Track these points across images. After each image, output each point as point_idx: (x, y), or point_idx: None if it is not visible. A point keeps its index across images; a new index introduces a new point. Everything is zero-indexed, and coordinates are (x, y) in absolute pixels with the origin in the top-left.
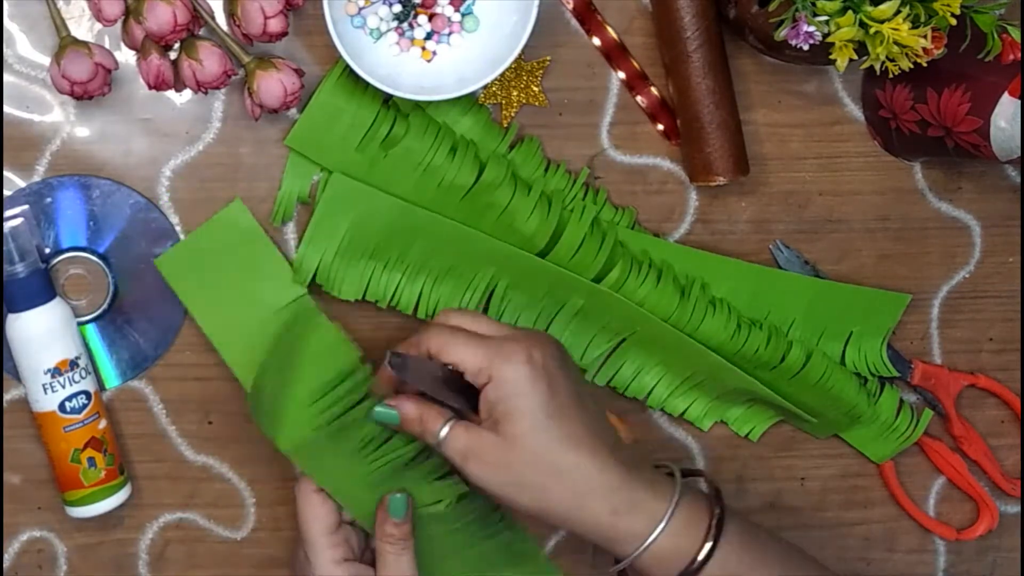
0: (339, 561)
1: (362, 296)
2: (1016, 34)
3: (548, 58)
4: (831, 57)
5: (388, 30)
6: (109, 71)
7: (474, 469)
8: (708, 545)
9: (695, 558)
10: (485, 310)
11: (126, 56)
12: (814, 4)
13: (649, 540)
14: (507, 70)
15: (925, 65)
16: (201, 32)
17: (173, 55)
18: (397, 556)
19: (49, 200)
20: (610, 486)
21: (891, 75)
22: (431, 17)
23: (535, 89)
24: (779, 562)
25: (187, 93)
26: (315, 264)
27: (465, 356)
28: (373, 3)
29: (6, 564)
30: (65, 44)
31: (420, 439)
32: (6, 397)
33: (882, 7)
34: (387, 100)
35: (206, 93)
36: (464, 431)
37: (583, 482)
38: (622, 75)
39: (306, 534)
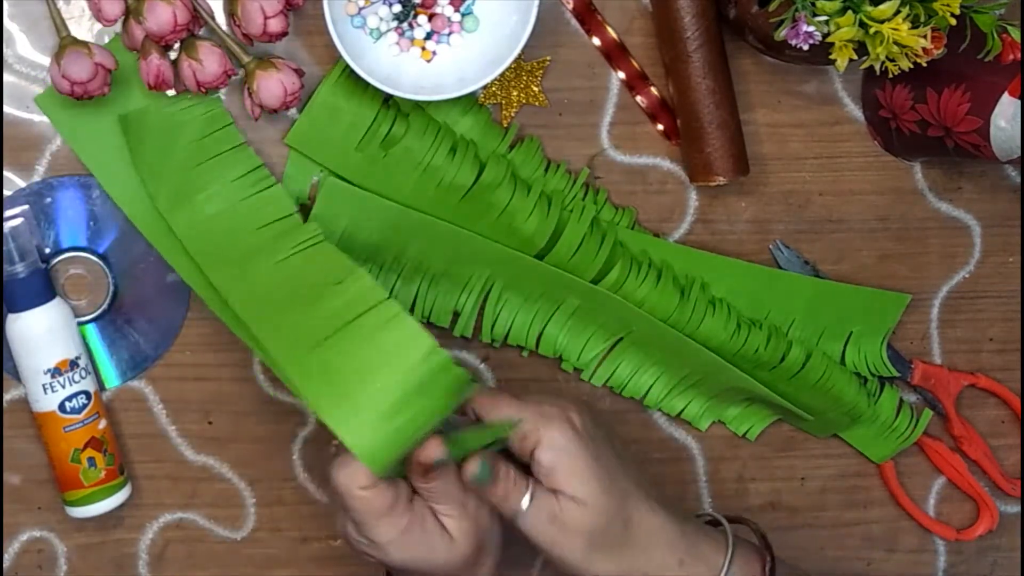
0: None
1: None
2: (1016, 34)
3: (548, 58)
4: (831, 57)
5: (388, 30)
6: (109, 71)
7: (561, 539)
8: None
9: None
10: (481, 311)
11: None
12: (814, 4)
13: None
14: (507, 70)
15: (925, 65)
16: (201, 32)
17: (173, 55)
18: (441, 502)
19: (49, 200)
20: (673, 537)
21: (891, 75)
22: (431, 17)
23: (535, 89)
24: None
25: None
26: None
27: (511, 418)
28: (373, 3)
29: (6, 564)
30: (65, 44)
31: (497, 503)
32: (6, 397)
33: (882, 7)
34: (387, 100)
35: (206, 93)
36: (550, 497)
37: (651, 535)
38: (622, 75)
39: (363, 520)
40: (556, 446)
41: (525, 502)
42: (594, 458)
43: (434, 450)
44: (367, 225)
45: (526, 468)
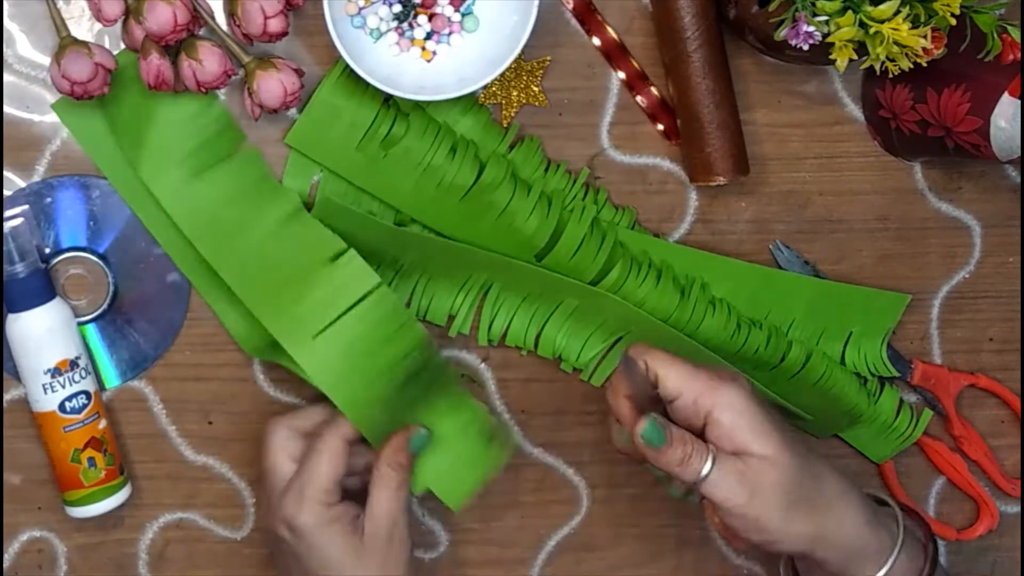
0: (327, 507)
1: None
2: (1016, 34)
3: (548, 58)
4: (831, 57)
5: (388, 30)
6: (109, 71)
7: (757, 500)
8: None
9: None
10: (479, 311)
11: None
12: (814, 4)
13: (895, 553)
14: (507, 70)
15: (925, 65)
16: (201, 32)
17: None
18: (398, 487)
19: (49, 200)
20: (857, 498)
21: (891, 75)
22: (431, 17)
23: (535, 89)
24: None
25: None
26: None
27: (688, 379)
28: (373, 3)
29: (6, 564)
30: (65, 44)
31: (673, 471)
32: (6, 397)
33: (882, 7)
34: (387, 100)
35: (206, 93)
36: (732, 458)
37: (839, 495)
38: (622, 75)
39: (311, 482)
40: (735, 406)
41: (707, 465)
42: (772, 417)
43: (421, 429)
44: (362, 238)
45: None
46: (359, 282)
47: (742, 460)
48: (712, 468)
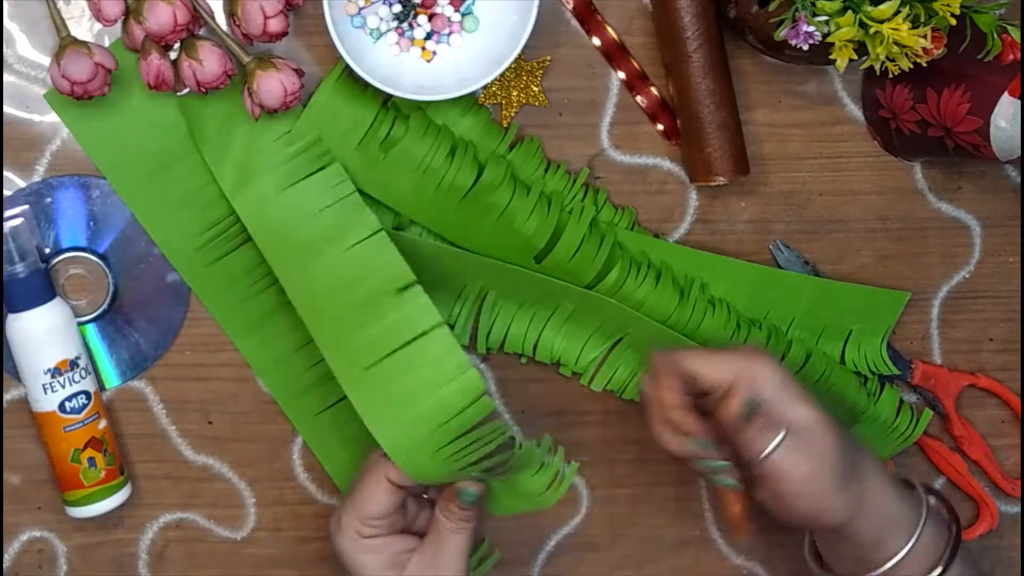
0: (363, 538)
1: None
2: (1016, 34)
3: (548, 58)
4: (831, 57)
5: (388, 30)
6: (109, 71)
7: (817, 469)
8: (945, 558)
9: (936, 565)
10: (477, 317)
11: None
12: (814, 4)
13: (921, 525)
14: (507, 70)
15: (925, 65)
16: (201, 32)
17: (173, 55)
18: (452, 532)
19: (49, 200)
20: (884, 472)
21: (891, 75)
22: (431, 17)
23: (535, 89)
24: None
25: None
26: None
27: (723, 367)
28: (373, 3)
29: (6, 564)
30: (65, 44)
31: (749, 448)
32: (6, 397)
33: (882, 7)
34: (386, 101)
35: (206, 93)
36: (792, 435)
37: (872, 467)
38: (622, 75)
39: (350, 510)
40: (773, 380)
41: (776, 440)
42: (804, 385)
43: (472, 486)
44: None
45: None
46: (420, 318)
47: (793, 432)
48: (782, 439)
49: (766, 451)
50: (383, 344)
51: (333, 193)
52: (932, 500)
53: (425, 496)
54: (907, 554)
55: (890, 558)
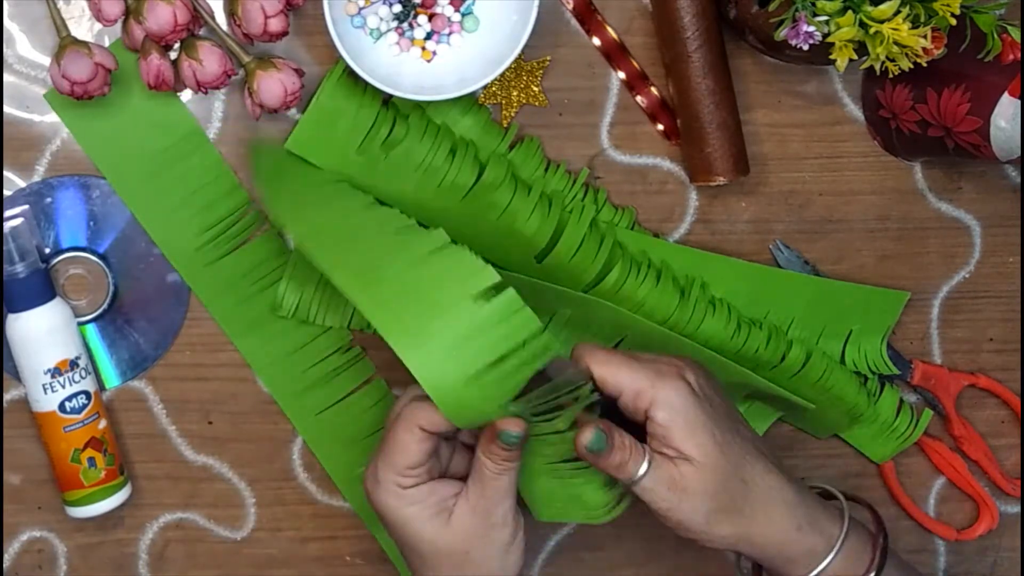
0: (404, 489)
1: (347, 325)
2: (1016, 34)
3: (548, 58)
4: (831, 57)
5: (388, 30)
6: (109, 71)
7: (683, 504)
8: (873, 573)
9: None
10: None
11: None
12: (814, 4)
13: (828, 559)
14: (507, 70)
15: (925, 65)
16: (201, 32)
17: (173, 55)
18: (497, 475)
19: (49, 200)
20: (792, 501)
21: (891, 75)
22: (431, 17)
23: (535, 89)
24: None
25: (187, 93)
26: (296, 299)
27: (626, 378)
28: (373, 3)
29: (6, 564)
30: (65, 44)
31: (611, 471)
32: (6, 397)
33: (882, 7)
34: (387, 101)
35: (206, 93)
36: (666, 462)
37: (769, 498)
38: (622, 75)
39: (394, 464)
40: (671, 405)
41: (643, 469)
42: (710, 417)
43: (514, 426)
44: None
45: (638, 434)
46: (434, 238)
47: (673, 464)
48: (646, 472)
49: (632, 478)
50: (478, 354)
51: (395, 222)
52: (857, 516)
53: (459, 439)
54: (825, 568)
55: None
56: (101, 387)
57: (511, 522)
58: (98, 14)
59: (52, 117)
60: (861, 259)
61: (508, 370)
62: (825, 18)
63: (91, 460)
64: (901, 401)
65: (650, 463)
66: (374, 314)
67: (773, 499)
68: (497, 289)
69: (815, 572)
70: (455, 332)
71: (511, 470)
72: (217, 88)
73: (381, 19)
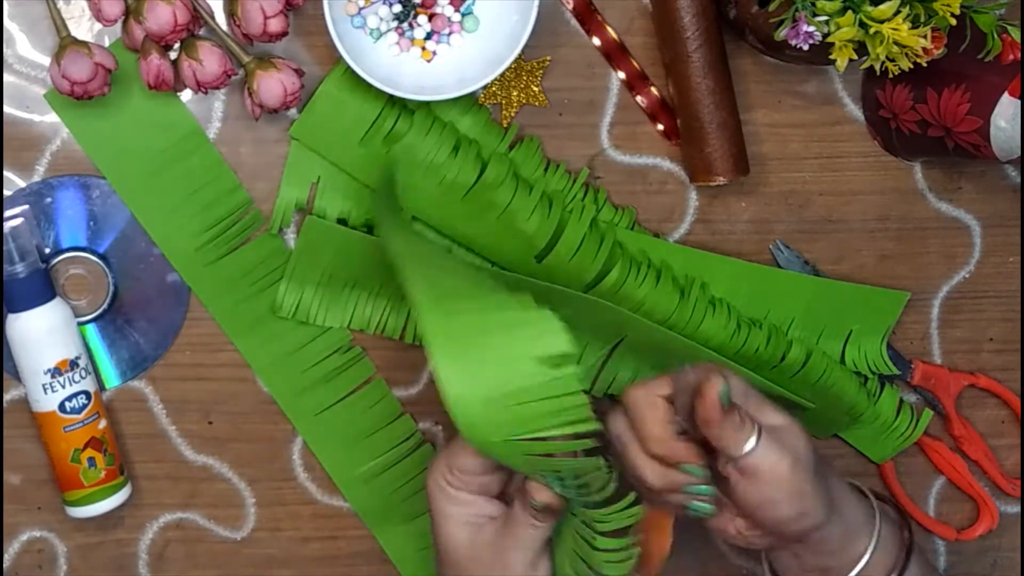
0: (450, 486)
1: (347, 324)
2: (1016, 34)
3: (548, 58)
4: (831, 57)
5: (388, 30)
6: (109, 71)
7: (795, 469)
8: (901, 560)
9: (894, 568)
10: None
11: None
12: (814, 4)
13: (876, 534)
14: (507, 70)
15: (925, 65)
16: (201, 32)
17: (173, 55)
18: (526, 526)
19: (49, 200)
20: (841, 476)
21: (891, 75)
22: (431, 17)
23: (535, 89)
24: None
25: (187, 93)
26: (296, 300)
27: (685, 381)
28: (373, 3)
29: (6, 564)
30: (65, 44)
31: (726, 441)
32: (6, 397)
33: (882, 7)
34: (390, 96)
35: (206, 93)
36: (767, 431)
37: (831, 469)
38: (622, 75)
39: (448, 460)
40: (738, 388)
41: (755, 438)
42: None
43: (539, 494)
44: (350, 259)
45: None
46: (568, 407)
47: (768, 431)
48: (759, 439)
49: (746, 447)
50: (489, 311)
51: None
52: (876, 500)
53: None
54: (872, 555)
55: (854, 561)
56: (101, 387)
57: (523, 570)
58: (98, 14)
59: (52, 117)
60: (861, 259)
61: (536, 421)
62: (825, 18)
63: (91, 460)
64: (901, 401)
65: (760, 430)
66: (435, 339)
67: (834, 469)
68: (565, 360)
69: (875, 537)
70: (504, 388)
71: (541, 527)
72: (217, 88)
73: (381, 19)
